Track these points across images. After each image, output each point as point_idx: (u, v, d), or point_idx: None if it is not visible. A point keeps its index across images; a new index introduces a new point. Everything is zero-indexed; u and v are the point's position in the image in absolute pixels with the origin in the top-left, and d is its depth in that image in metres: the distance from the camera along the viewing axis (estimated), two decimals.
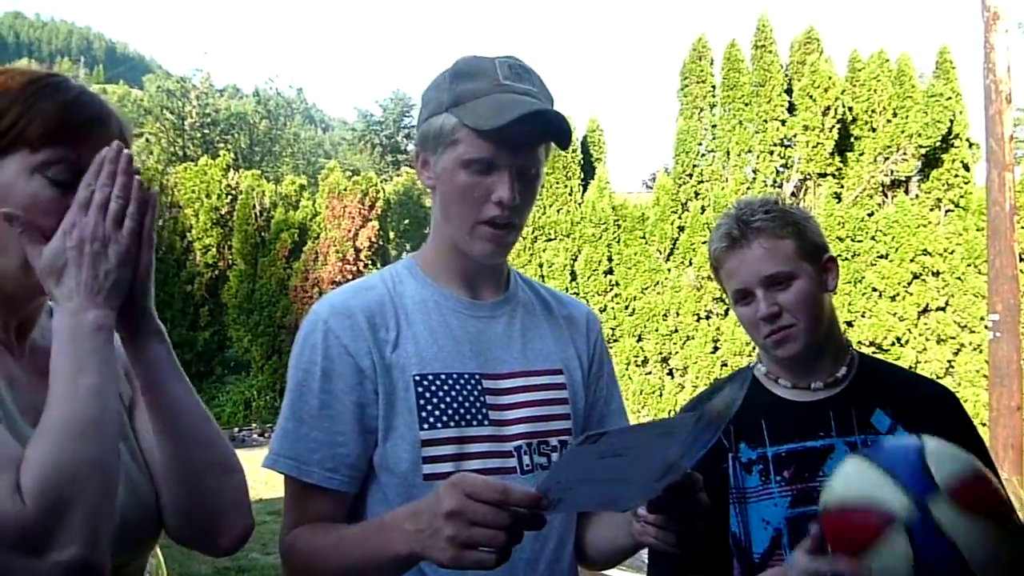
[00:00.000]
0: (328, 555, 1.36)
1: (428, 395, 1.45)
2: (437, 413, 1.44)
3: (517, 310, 1.61)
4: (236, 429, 17.96)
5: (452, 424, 1.44)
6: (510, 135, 1.41)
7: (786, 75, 16.10)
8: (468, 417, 1.46)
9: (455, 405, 1.45)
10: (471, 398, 1.47)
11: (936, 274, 15.04)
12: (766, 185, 15.69)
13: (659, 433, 1.08)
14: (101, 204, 1.11)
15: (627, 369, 16.19)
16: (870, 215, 15.25)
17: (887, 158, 15.16)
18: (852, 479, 1.32)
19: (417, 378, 1.45)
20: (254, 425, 17.96)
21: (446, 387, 1.46)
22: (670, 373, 16.13)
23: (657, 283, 16.10)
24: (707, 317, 15.80)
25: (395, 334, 1.48)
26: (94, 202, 1.11)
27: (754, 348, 1.85)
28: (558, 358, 1.60)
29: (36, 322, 1.25)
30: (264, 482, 10.51)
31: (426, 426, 1.43)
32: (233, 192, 20.70)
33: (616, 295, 16.42)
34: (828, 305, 1.74)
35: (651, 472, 1.11)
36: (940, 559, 1.23)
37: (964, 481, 1.26)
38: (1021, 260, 11.98)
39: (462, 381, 1.48)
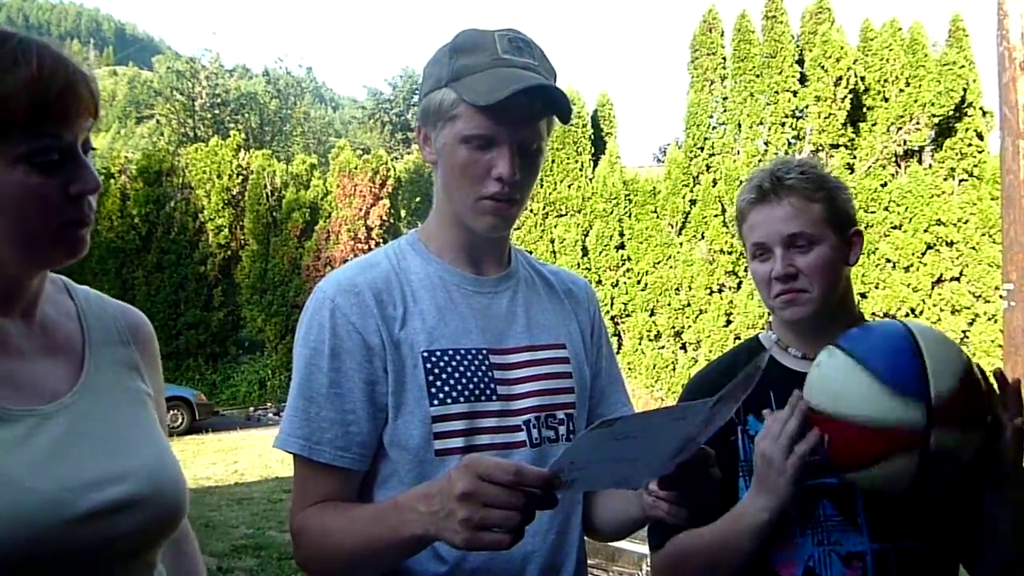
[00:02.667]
0: (341, 535, 1.36)
1: (437, 371, 1.44)
2: (447, 389, 1.44)
3: (520, 286, 1.60)
4: (251, 409, 18.08)
5: (462, 400, 1.44)
6: (509, 110, 1.40)
7: (797, 46, 15.97)
8: (477, 392, 1.45)
9: (464, 381, 1.45)
10: (479, 373, 1.46)
11: (950, 244, 14.96)
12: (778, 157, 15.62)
13: (674, 418, 1.08)
14: None
15: (640, 344, 16.20)
16: (883, 186, 15.17)
17: (900, 128, 15.05)
18: (854, 393, 1.40)
19: (426, 354, 1.44)
20: (269, 404, 18.07)
21: (454, 363, 1.46)
22: (683, 347, 16.14)
23: (669, 257, 16.07)
24: (720, 290, 15.78)
25: (402, 311, 1.47)
26: None
27: (767, 319, 1.83)
28: (561, 332, 1.60)
29: (40, 296, 1.24)
30: (280, 460, 10.63)
31: (436, 402, 1.43)
32: (244, 172, 20.73)
33: (628, 270, 16.40)
34: (846, 277, 1.71)
35: (665, 452, 1.12)
36: (941, 472, 1.38)
37: (961, 394, 1.37)
38: None
39: (470, 357, 1.47)
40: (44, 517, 1.08)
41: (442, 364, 1.45)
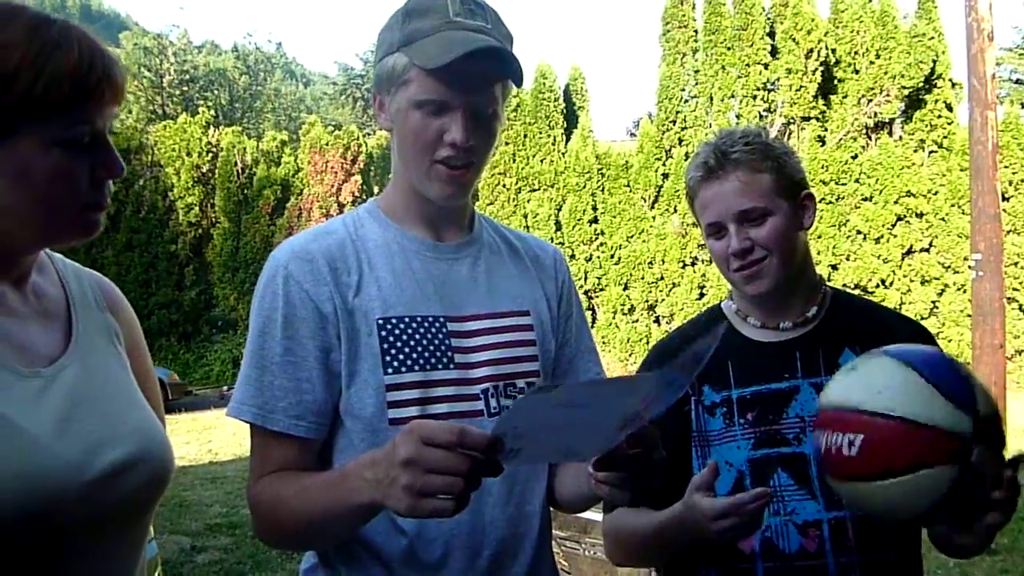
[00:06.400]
0: (293, 504, 1.34)
1: (392, 339, 1.42)
2: (401, 357, 1.42)
3: (482, 252, 1.58)
4: (225, 388, 17.98)
5: (417, 368, 1.42)
6: (461, 74, 1.38)
7: (768, 18, 15.97)
8: (433, 361, 1.43)
9: (419, 349, 1.43)
10: (435, 341, 1.45)
11: (920, 215, 15.08)
12: None
13: (620, 389, 1.07)
14: None
15: (614, 318, 16.25)
16: (854, 158, 15.25)
17: (870, 100, 15.11)
18: (902, 390, 1.28)
19: (380, 322, 1.43)
20: None
21: (410, 331, 1.44)
22: (656, 321, 16.20)
23: (642, 231, 16.10)
24: (692, 264, 15.83)
25: (357, 278, 1.45)
26: None
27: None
28: (525, 299, 1.58)
29: (31, 271, 1.26)
30: None
31: (390, 371, 1.41)
32: (214, 150, 20.52)
33: (601, 244, 16.41)
34: (802, 243, 1.69)
35: (610, 423, 1.10)
36: (967, 494, 1.25)
37: (997, 420, 1.28)
38: (1004, 199, 12.02)
39: (426, 324, 1.45)
40: (67, 479, 1.10)
41: (397, 332, 1.43)
